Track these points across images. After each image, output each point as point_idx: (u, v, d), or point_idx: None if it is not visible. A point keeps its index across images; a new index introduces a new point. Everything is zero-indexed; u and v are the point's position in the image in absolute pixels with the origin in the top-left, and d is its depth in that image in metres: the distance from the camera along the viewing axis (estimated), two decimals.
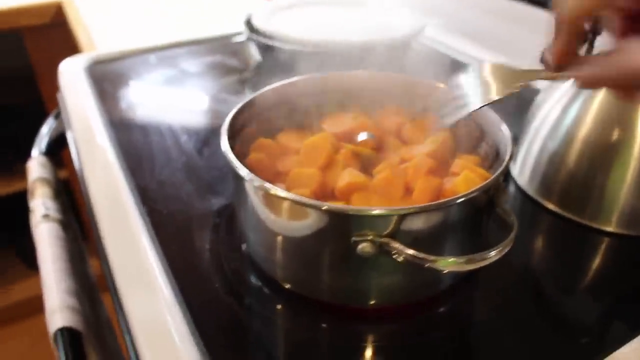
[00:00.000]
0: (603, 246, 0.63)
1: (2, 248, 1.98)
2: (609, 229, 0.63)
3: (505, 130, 0.54)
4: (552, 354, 0.50)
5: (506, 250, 0.45)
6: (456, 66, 1.02)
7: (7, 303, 1.83)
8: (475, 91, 0.51)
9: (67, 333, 0.57)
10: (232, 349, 0.50)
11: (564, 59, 0.41)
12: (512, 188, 0.71)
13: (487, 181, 0.47)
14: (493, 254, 0.44)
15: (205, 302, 0.55)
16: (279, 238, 0.51)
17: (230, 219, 0.64)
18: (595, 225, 0.64)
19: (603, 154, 0.62)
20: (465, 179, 0.51)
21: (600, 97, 0.62)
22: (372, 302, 0.52)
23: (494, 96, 0.49)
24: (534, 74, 0.47)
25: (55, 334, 0.57)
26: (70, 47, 1.33)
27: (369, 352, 0.51)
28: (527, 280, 0.59)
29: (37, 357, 1.69)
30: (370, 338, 0.53)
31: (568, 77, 0.43)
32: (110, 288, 0.59)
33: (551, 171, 0.66)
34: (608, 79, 0.38)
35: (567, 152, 0.64)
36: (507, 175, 0.72)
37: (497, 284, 0.58)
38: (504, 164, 0.49)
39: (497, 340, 0.51)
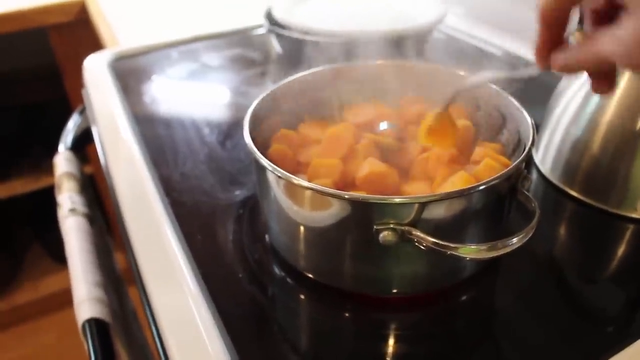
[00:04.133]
0: (627, 233, 0.62)
1: (30, 242, 2.02)
2: (634, 215, 0.62)
3: (527, 117, 0.54)
4: (575, 343, 0.50)
5: (528, 237, 0.45)
6: (478, 54, 1.01)
7: (35, 297, 1.86)
8: None
9: (95, 324, 0.58)
10: (257, 339, 0.51)
11: (546, 52, 0.43)
12: (534, 175, 0.70)
13: (509, 168, 0.47)
14: (515, 241, 0.44)
15: (229, 292, 0.55)
16: (302, 228, 0.51)
17: (253, 210, 0.65)
18: (619, 211, 0.63)
19: (627, 139, 0.61)
20: (486, 167, 0.50)
21: (625, 82, 0.61)
22: (394, 291, 0.53)
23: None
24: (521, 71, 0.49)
25: (84, 325, 0.58)
26: (94, 43, 1.35)
27: (391, 341, 0.51)
28: (549, 268, 0.59)
29: (65, 350, 1.72)
30: (392, 326, 0.53)
31: (549, 68, 0.44)
32: (137, 280, 0.60)
33: (574, 158, 0.65)
34: (577, 65, 0.41)
35: (590, 138, 0.63)
36: (529, 162, 0.72)
37: (520, 272, 0.58)
38: (526, 150, 0.49)
39: (520, 329, 0.51)
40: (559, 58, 0.42)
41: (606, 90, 0.44)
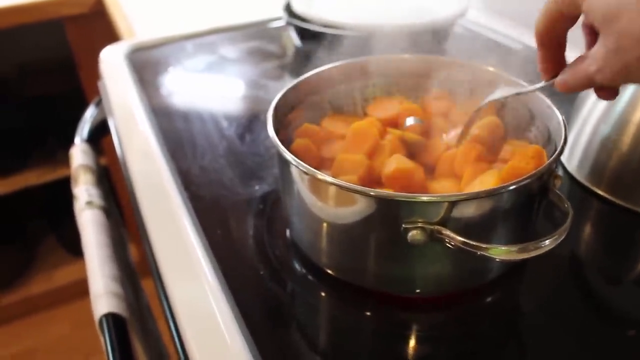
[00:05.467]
0: None
1: (44, 234, 2.03)
2: None
3: (558, 114, 0.52)
4: (599, 347, 0.49)
5: (561, 238, 0.43)
6: (499, 48, 0.99)
7: (48, 288, 1.87)
8: None
9: (112, 319, 0.58)
10: (276, 334, 0.51)
11: (550, 69, 0.47)
12: (560, 173, 0.69)
13: (541, 167, 0.45)
14: (547, 243, 0.43)
15: (249, 288, 0.55)
16: (325, 224, 0.50)
17: (273, 205, 0.64)
18: None
19: None
20: (512, 168, 0.49)
21: None
22: (418, 291, 0.52)
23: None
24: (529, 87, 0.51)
25: (101, 320, 0.58)
26: (110, 35, 1.34)
27: (412, 341, 0.51)
28: (575, 269, 0.58)
29: (78, 341, 1.74)
30: (414, 327, 0.52)
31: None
32: (154, 274, 0.59)
33: (602, 156, 0.64)
34: (571, 84, 0.43)
35: (620, 136, 0.62)
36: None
37: (545, 273, 0.56)
38: (559, 148, 0.48)
39: (543, 332, 0.50)
40: (560, 80, 0.44)
41: (610, 98, 0.45)
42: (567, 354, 0.48)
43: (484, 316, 0.53)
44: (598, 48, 0.39)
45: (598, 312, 0.53)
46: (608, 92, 0.45)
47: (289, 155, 0.48)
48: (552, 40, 0.45)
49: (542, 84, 0.48)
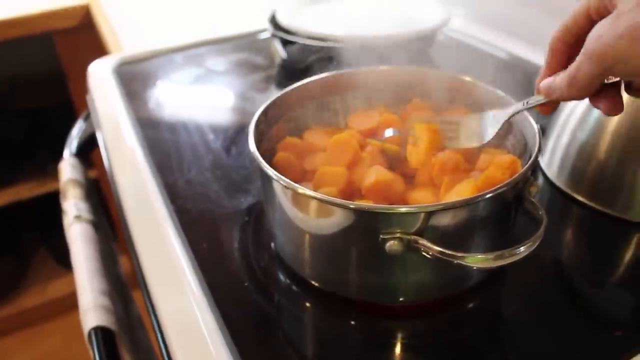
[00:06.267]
0: (635, 238, 0.61)
1: (36, 247, 2.02)
2: None
3: (533, 123, 0.53)
4: (584, 348, 0.50)
5: (535, 245, 0.44)
6: (483, 58, 1.00)
7: (41, 301, 1.86)
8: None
9: (100, 332, 0.58)
10: (261, 346, 0.51)
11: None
12: (540, 180, 0.70)
13: (516, 176, 0.46)
14: (522, 250, 0.44)
15: (234, 299, 0.55)
16: (307, 236, 0.51)
17: (258, 217, 0.65)
18: (626, 217, 0.62)
19: (635, 144, 0.60)
20: (488, 177, 0.50)
21: None
22: (400, 299, 0.52)
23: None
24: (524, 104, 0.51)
25: (90, 333, 0.58)
26: (99, 48, 1.35)
27: (397, 349, 0.51)
28: (557, 273, 0.59)
29: (71, 354, 1.73)
30: (399, 335, 0.53)
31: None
32: (141, 286, 0.60)
33: (581, 163, 0.65)
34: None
35: (597, 143, 0.63)
36: (535, 167, 0.71)
37: (526, 278, 0.57)
38: (532, 157, 0.49)
39: (528, 335, 0.51)
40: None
41: (613, 112, 0.46)
42: (549, 356, 0.49)
43: (467, 322, 0.54)
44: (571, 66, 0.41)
45: (581, 316, 0.54)
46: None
47: (270, 170, 0.49)
48: (559, 55, 0.46)
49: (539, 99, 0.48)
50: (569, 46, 0.45)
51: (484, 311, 0.55)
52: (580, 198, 0.66)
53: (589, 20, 0.43)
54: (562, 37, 0.45)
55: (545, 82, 0.46)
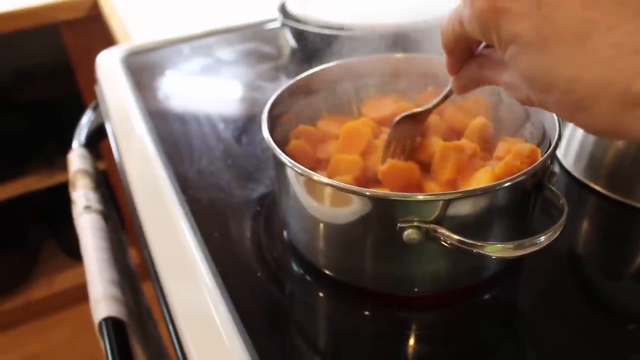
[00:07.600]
0: None
1: (45, 239, 2.03)
2: None
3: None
4: (598, 342, 0.49)
5: (556, 234, 0.43)
6: None
7: (50, 292, 1.87)
8: None
9: (111, 323, 0.58)
10: (274, 336, 0.51)
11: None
12: (556, 169, 0.69)
13: (536, 163, 0.45)
14: (543, 239, 0.43)
15: (247, 289, 0.55)
16: (321, 225, 0.50)
17: (270, 206, 0.64)
18: None
19: None
20: (506, 166, 0.49)
21: None
22: (415, 290, 0.52)
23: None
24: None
25: (100, 324, 0.58)
26: (107, 39, 1.34)
27: (411, 340, 0.51)
28: (573, 265, 0.58)
29: (80, 345, 1.73)
30: (413, 326, 0.52)
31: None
32: (153, 277, 0.59)
33: (598, 151, 0.64)
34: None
35: None
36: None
37: (543, 269, 0.56)
38: (552, 145, 0.48)
39: (542, 328, 0.50)
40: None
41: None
42: (565, 349, 0.48)
43: (482, 313, 0.53)
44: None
45: (597, 307, 0.53)
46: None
47: (284, 157, 0.48)
48: (455, 50, 0.45)
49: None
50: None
51: (499, 302, 0.54)
52: (597, 188, 0.64)
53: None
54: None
55: None
